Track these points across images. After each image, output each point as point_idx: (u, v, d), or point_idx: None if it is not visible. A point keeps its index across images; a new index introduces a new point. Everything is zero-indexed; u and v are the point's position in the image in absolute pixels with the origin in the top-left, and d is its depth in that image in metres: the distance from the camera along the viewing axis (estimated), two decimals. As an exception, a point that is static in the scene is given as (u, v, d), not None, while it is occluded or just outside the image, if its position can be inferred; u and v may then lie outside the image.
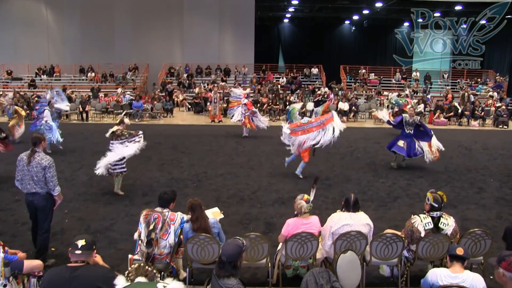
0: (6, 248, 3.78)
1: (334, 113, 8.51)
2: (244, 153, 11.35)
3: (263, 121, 13.66)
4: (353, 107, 19.06)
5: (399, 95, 16.18)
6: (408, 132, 9.55)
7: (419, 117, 10.29)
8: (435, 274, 3.43)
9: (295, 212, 4.38)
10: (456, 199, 7.55)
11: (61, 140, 10.89)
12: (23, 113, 12.45)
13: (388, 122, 10.47)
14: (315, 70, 26.31)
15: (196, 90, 21.77)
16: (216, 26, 25.55)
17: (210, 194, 7.61)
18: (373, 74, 26.12)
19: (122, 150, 7.06)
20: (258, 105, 18.65)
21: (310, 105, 16.80)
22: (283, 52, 31.33)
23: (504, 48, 27.33)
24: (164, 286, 2.48)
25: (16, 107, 13.08)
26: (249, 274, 4.70)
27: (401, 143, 9.56)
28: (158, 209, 4.24)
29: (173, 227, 4.14)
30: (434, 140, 9.45)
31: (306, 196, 4.42)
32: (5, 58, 24.44)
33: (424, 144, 9.43)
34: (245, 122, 13.42)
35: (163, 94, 20.93)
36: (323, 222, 4.47)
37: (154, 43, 25.50)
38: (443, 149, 9.60)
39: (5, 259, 3.36)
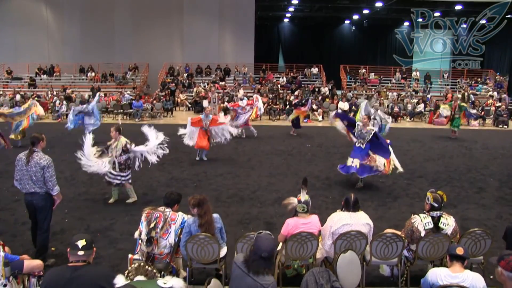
0: (6, 248, 3.78)
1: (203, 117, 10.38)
2: (244, 153, 11.35)
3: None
4: (353, 107, 19.04)
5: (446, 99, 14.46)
6: (358, 145, 7.89)
7: (374, 130, 8.01)
8: (435, 274, 3.43)
9: (294, 211, 4.39)
10: (456, 199, 7.54)
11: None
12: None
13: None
14: (315, 70, 26.27)
15: (195, 89, 21.77)
16: (216, 26, 25.53)
17: (210, 194, 7.58)
18: (373, 74, 26.12)
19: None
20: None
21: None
22: (283, 52, 31.28)
23: (504, 48, 27.32)
24: (164, 283, 2.50)
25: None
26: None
27: (350, 161, 7.88)
28: (161, 208, 4.26)
29: (173, 226, 4.16)
30: (393, 156, 7.81)
31: (305, 196, 4.42)
32: (5, 58, 24.42)
33: (380, 159, 7.65)
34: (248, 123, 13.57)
35: (163, 94, 20.92)
36: (323, 222, 4.47)
37: (154, 43, 25.47)
38: (401, 170, 7.85)
39: (5, 259, 3.36)
